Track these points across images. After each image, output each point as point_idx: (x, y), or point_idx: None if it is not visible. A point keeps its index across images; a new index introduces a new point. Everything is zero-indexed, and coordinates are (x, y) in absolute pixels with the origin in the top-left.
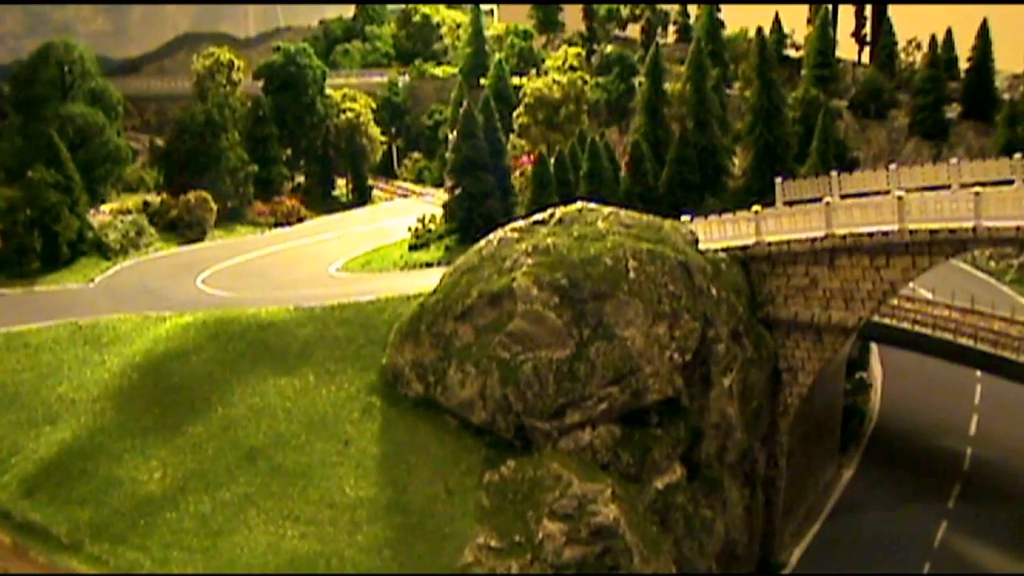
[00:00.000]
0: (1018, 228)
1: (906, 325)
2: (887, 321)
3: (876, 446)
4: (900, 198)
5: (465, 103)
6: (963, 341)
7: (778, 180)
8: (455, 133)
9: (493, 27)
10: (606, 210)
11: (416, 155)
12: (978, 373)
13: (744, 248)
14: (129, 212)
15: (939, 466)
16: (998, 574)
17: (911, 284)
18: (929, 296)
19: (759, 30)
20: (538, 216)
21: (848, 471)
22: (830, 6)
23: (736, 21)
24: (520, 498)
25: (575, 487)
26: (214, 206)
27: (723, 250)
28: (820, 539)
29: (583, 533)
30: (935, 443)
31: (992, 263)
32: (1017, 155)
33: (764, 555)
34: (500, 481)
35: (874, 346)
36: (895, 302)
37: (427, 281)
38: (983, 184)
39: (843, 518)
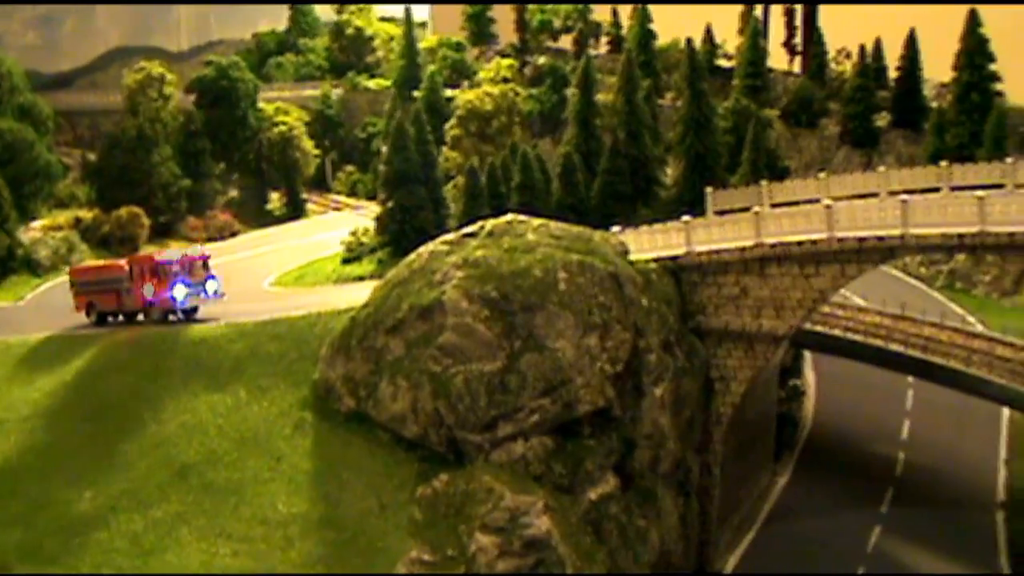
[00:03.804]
0: (944, 235)
1: (838, 332)
2: (820, 329)
3: (810, 453)
4: (828, 206)
5: (396, 116)
6: (894, 347)
7: (709, 190)
8: (387, 146)
9: (426, 39)
10: (536, 222)
11: (350, 168)
12: (910, 379)
13: (674, 258)
14: (60, 228)
15: (872, 471)
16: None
17: (844, 291)
18: (861, 303)
19: (688, 40)
20: (468, 228)
21: (783, 478)
22: (760, 16)
23: (668, 32)
24: (453, 512)
25: (507, 500)
26: (146, 221)
27: (654, 260)
28: (755, 546)
29: (516, 545)
30: (868, 449)
31: (923, 269)
32: (943, 163)
33: (700, 564)
34: (432, 495)
35: (808, 354)
36: (827, 309)
37: (360, 295)
38: (911, 191)
39: (778, 525)
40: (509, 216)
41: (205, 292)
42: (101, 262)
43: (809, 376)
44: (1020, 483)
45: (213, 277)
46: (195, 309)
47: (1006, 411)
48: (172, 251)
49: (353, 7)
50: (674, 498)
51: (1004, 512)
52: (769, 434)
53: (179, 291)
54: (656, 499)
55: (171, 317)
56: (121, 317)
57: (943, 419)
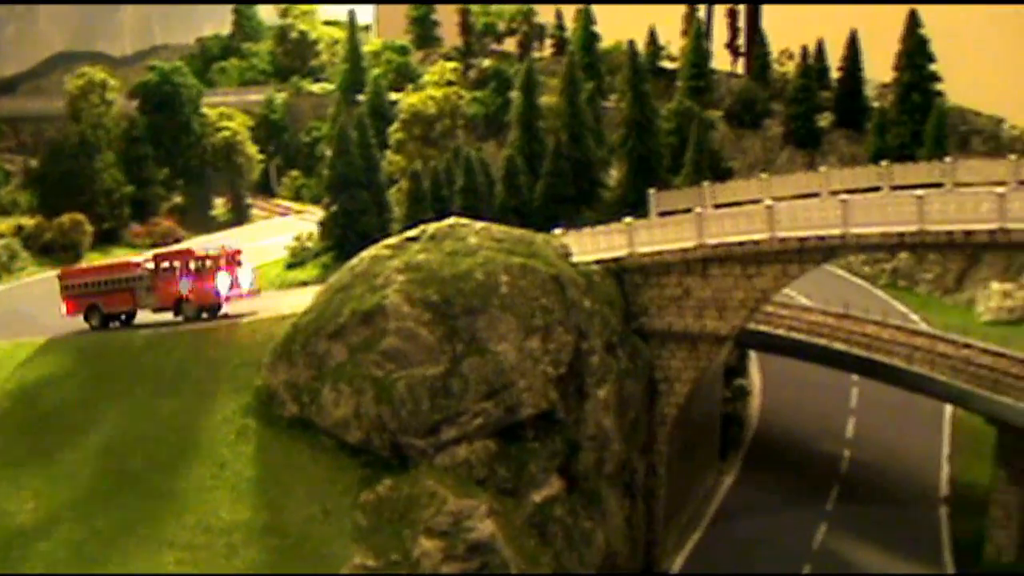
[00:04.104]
0: (884, 234)
1: (782, 332)
2: (764, 328)
3: (756, 452)
4: (769, 207)
5: (339, 120)
6: (838, 346)
7: (651, 191)
8: (330, 150)
9: (370, 43)
10: (478, 225)
11: (295, 173)
12: (854, 377)
13: (617, 260)
14: (2, 236)
15: (818, 469)
16: (876, 574)
17: (788, 291)
18: (805, 302)
19: (631, 42)
20: (410, 232)
21: (729, 477)
22: (704, 17)
23: (613, 34)
24: (396, 517)
25: (450, 504)
26: (89, 228)
27: (596, 262)
28: (702, 546)
29: (460, 549)
30: (814, 447)
31: (866, 268)
32: (884, 162)
33: (647, 564)
34: (376, 500)
35: (754, 354)
36: (771, 309)
37: (303, 300)
38: (853, 191)
39: (724, 524)
40: (451, 220)
41: (240, 286)
42: (104, 261)
43: (755, 376)
44: (963, 478)
45: (246, 272)
46: (220, 305)
47: (949, 408)
48: (210, 244)
49: (297, 10)
50: (619, 499)
51: (947, 507)
52: (715, 434)
53: (223, 285)
54: (601, 501)
55: (203, 314)
56: (116, 323)
57: (887, 416)
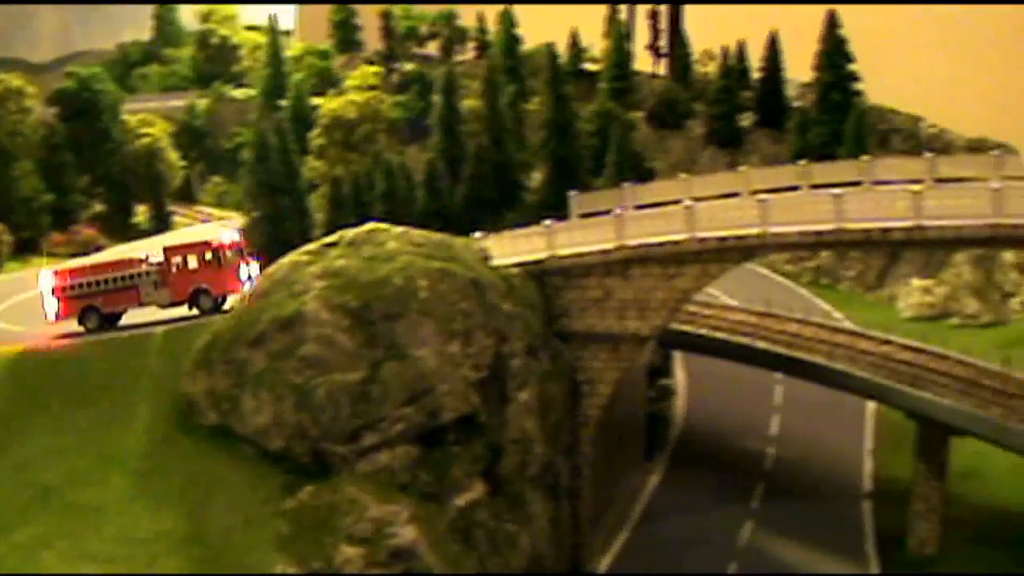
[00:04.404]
0: (801, 233)
1: (705, 331)
2: (688, 328)
3: (682, 451)
4: (688, 207)
5: (259, 126)
6: (761, 345)
7: (571, 193)
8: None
9: (292, 47)
10: (397, 230)
11: (217, 179)
12: (778, 375)
13: (537, 263)
14: None
15: (743, 467)
16: (801, 574)
17: (711, 291)
18: (729, 301)
19: (549, 45)
20: (329, 238)
21: (655, 477)
22: (626, 19)
23: (536, 37)
24: (318, 524)
25: (372, 510)
26: (7, 237)
27: (516, 265)
28: (628, 546)
29: (382, 556)
30: (739, 445)
31: (789, 266)
32: (803, 161)
33: (573, 566)
34: (298, 508)
35: (679, 354)
36: (694, 309)
37: (224, 308)
38: (774, 190)
39: (650, 524)
40: (370, 225)
41: (251, 278)
42: (99, 258)
43: (679, 375)
44: (885, 473)
45: (249, 263)
46: (225, 299)
47: (871, 404)
48: (226, 235)
49: (218, 15)
50: (544, 502)
51: (870, 502)
52: (639, 434)
53: (244, 274)
54: (525, 504)
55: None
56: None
57: (811, 413)
